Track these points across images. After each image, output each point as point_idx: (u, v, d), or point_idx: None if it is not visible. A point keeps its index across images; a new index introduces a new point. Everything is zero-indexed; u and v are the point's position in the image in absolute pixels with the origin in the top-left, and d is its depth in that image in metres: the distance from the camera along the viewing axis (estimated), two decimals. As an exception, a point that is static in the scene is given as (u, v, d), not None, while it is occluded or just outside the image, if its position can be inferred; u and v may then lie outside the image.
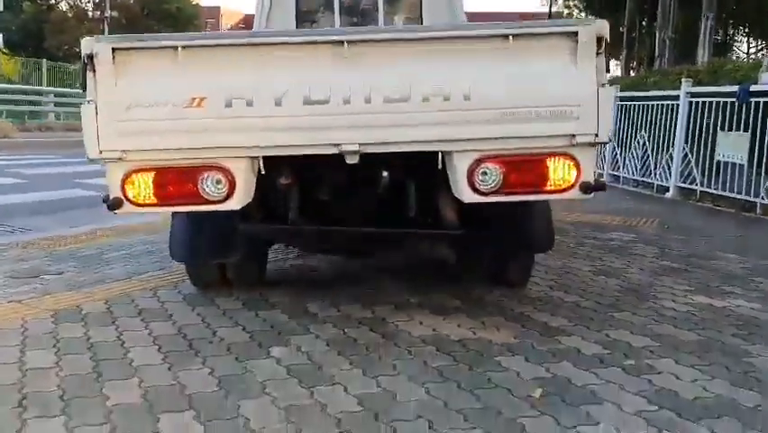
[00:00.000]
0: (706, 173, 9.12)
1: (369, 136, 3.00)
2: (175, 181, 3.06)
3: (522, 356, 3.18)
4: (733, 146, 8.57)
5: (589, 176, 3.07)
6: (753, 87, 8.33)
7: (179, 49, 2.94)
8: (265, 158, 3.07)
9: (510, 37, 2.96)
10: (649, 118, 10.50)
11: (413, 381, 2.90)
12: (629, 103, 11.15)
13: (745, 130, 8.39)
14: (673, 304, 4.05)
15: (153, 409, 2.64)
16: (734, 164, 8.57)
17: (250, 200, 3.15)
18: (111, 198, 3.06)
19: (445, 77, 2.97)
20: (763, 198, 8.10)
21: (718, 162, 8.83)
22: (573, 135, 2.98)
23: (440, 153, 3.08)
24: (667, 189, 9.87)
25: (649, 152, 10.48)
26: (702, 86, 9.75)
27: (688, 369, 3.04)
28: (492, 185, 3.06)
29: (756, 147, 8.22)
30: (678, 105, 9.67)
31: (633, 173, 10.98)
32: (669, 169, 9.90)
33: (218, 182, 3.05)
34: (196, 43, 2.98)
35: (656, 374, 2.98)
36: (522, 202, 3.52)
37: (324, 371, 3.01)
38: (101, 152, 2.95)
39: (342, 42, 2.95)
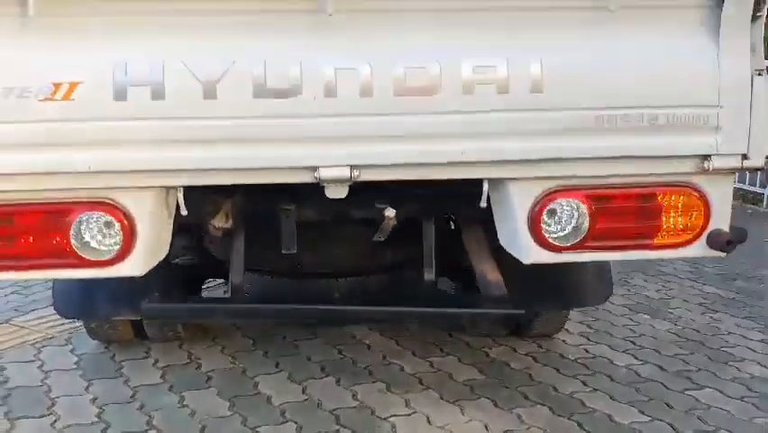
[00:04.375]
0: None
1: (367, 153, 1.74)
2: (29, 230, 1.75)
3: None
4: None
5: (722, 221, 1.89)
6: None
7: (30, 1, 1.62)
8: (188, 189, 1.78)
9: (613, -10, 1.73)
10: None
11: None
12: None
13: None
14: (762, 371, 2.94)
15: None
16: (737, 150, 7.58)
17: (162, 257, 1.87)
18: None
19: (501, 53, 1.73)
20: (771, 190, 7.16)
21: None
22: (707, 156, 1.79)
23: (485, 182, 1.84)
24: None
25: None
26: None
27: None
28: (570, 235, 1.85)
29: None
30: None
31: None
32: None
33: (106, 230, 1.76)
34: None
35: None
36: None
37: None
38: None
39: (323, -10, 1.68)
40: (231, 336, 3.18)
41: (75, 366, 2.84)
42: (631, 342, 3.22)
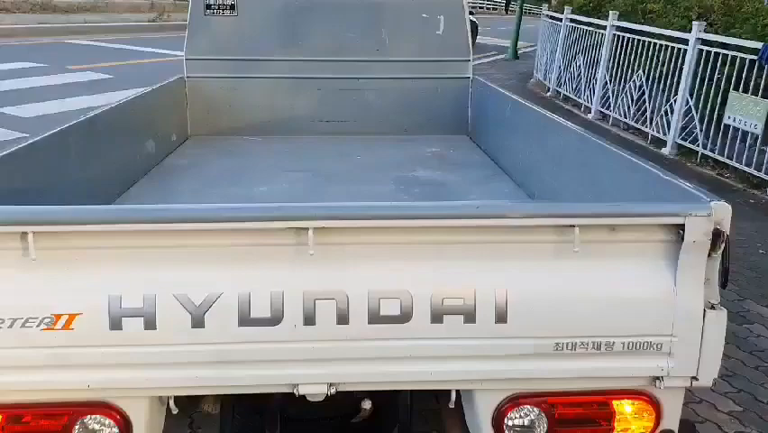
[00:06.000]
0: (711, 135, 8.09)
1: (343, 373, 1.90)
2: (37, 427, 1.95)
3: None
4: (747, 111, 7.51)
5: (672, 422, 2.05)
6: (780, 49, 7.18)
7: (31, 236, 1.75)
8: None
9: (576, 229, 1.82)
10: (649, 57, 9.29)
11: None
12: (626, 35, 9.88)
13: (765, 96, 7.33)
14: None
15: None
16: (745, 132, 7.55)
17: (154, 443, 2.07)
18: None
19: (469, 285, 1.86)
20: (775, 178, 7.18)
21: (726, 126, 7.79)
22: (659, 377, 1.93)
23: (453, 391, 2.01)
24: (663, 144, 8.86)
25: (646, 95, 9.35)
26: (714, 27, 8.54)
27: None
28: (530, 435, 2.03)
29: (776, 119, 7.21)
30: (685, 50, 8.47)
31: (625, 115, 9.89)
32: (668, 120, 8.82)
33: (105, 428, 1.95)
34: (60, 229, 1.77)
35: None
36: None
37: None
38: None
39: (305, 230, 1.79)
40: None
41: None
42: None
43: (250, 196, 3.50)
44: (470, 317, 1.85)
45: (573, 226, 1.82)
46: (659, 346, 1.89)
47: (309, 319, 1.83)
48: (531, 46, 18.59)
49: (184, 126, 4.69)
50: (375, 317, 1.84)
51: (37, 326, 1.78)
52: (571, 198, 2.93)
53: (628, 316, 1.88)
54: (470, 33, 4.87)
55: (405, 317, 1.85)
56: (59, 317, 1.79)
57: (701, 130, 8.20)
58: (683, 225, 1.82)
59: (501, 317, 1.85)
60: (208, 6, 4.54)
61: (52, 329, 1.79)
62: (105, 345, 1.81)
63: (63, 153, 2.83)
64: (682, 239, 1.83)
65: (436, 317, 1.85)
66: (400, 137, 4.75)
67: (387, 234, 1.84)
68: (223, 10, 4.55)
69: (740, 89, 7.59)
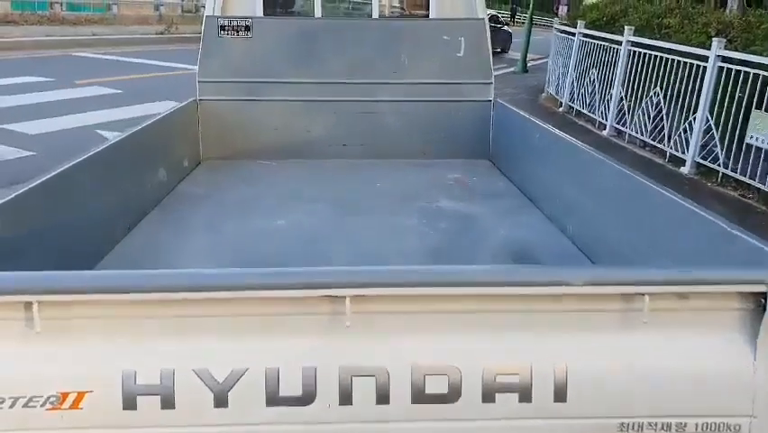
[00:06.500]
0: (732, 154, 7.87)
1: (383, 456, 1.71)
2: None
3: None
4: (770, 130, 7.31)
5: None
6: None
7: (35, 306, 1.56)
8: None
9: (646, 297, 1.63)
10: (667, 73, 9.08)
11: None
12: (643, 50, 9.69)
13: (789, 114, 7.13)
14: None
15: None
16: (768, 152, 7.34)
17: None
18: None
19: (524, 360, 1.66)
20: (799, 202, 6.96)
21: (749, 145, 7.58)
22: (737, 460, 1.74)
23: (503, 473, 1.81)
24: (682, 162, 8.64)
25: (664, 113, 9.15)
26: (733, 43, 8.34)
27: None
28: None
29: (801, 139, 7.01)
30: (705, 66, 8.27)
31: (641, 132, 9.68)
32: (686, 139, 8.61)
33: None
34: (68, 299, 1.58)
35: None
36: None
37: None
38: None
39: (342, 298, 1.60)
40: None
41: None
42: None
43: (267, 230, 3.32)
44: (525, 395, 1.66)
45: (643, 295, 1.63)
46: (737, 428, 1.70)
47: (345, 398, 1.64)
48: (540, 58, 18.43)
49: (196, 151, 4.52)
50: (419, 396, 1.65)
51: (41, 405, 1.60)
52: (613, 239, 2.74)
53: (702, 393, 1.68)
54: (491, 56, 4.70)
55: (453, 395, 1.65)
56: (66, 395, 1.60)
57: (722, 149, 7.98)
58: (765, 292, 1.63)
59: (560, 396, 1.66)
60: (222, 28, 4.38)
61: (59, 409, 1.60)
62: (117, 426, 1.63)
63: (72, 190, 2.66)
64: (764, 309, 1.64)
65: (488, 396, 1.66)
66: (420, 161, 4.57)
67: (432, 303, 1.65)
68: (237, 31, 4.38)
69: (762, 108, 7.39)
